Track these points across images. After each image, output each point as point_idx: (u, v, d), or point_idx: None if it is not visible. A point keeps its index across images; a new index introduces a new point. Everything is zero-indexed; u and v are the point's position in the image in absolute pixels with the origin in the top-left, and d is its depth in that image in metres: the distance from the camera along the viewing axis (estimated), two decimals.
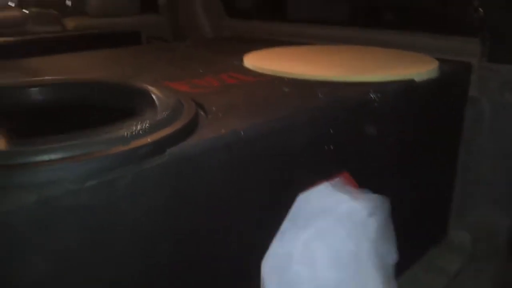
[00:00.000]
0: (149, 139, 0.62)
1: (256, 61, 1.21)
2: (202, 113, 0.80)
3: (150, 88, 0.83)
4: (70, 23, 2.43)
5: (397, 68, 1.16)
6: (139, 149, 0.60)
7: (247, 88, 1.00)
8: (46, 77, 0.97)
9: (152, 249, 0.65)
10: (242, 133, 0.72)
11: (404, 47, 1.37)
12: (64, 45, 1.88)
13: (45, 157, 0.56)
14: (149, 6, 2.67)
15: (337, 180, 0.89)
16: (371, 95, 0.92)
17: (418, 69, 1.10)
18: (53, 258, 0.55)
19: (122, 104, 0.84)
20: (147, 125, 0.65)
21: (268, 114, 0.82)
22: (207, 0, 2.16)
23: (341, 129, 0.90)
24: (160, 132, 0.65)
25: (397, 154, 1.06)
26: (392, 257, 0.93)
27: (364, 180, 0.94)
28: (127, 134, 0.62)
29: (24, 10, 2.28)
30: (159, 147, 0.62)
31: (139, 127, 0.64)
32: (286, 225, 0.81)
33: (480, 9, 1.24)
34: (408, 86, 1.03)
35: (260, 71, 1.14)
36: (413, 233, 1.19)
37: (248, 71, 1.15)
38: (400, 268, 1.20)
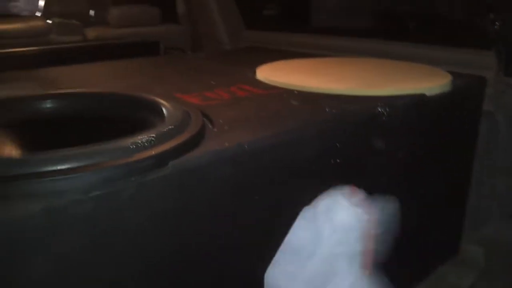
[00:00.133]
0: (153, 151, 0.64)
1: (268, 73, 1.22)
2: (209, 125, 0.81)
3: (160, 100, 0.85)
4: (92, 33, 2.50)
5: (408, 82, 1.15)
6: (142, 161, 0.62)
7: (257, 100, 1.01)
8: (59, 90, 1.01)
9: (154, 259, 0.66)
10: (246, 147, 0.73)
11: (420, 60, 1.36)
12: (85, 54, 1.94)
13: (51, 167, 0.58)
14: (169, 16, 2.73)
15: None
16: (379, 109, 0.92)
17: (430, 83, 1.10)
18: (57, 266, 0.56)
19: (133, 116, 0.86)
20: (153, 137, 0.67)
21: (274, 127, 0.82)
22: (226, 11, 2.19)
23: (349, 143, 0.90)
24: (165, 145, 0.66)
25: (407, 168, 1.05)
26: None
27: (372, 194, 0.94)
28: (132, 146, 0.64)
29: (47, 21, 2.35)
30: (162, 159, 0.63)
31: (144, 139, 0.66)
32: (290, 237, 0.82)
33: (497, 23, 1.23)
34: (419, 101, 1.02)
35: (271, 83, 1.14)
36: (425, 248, 1.18)
37: (260, 84, 1.16)
38: (412, 283, 1.19)
